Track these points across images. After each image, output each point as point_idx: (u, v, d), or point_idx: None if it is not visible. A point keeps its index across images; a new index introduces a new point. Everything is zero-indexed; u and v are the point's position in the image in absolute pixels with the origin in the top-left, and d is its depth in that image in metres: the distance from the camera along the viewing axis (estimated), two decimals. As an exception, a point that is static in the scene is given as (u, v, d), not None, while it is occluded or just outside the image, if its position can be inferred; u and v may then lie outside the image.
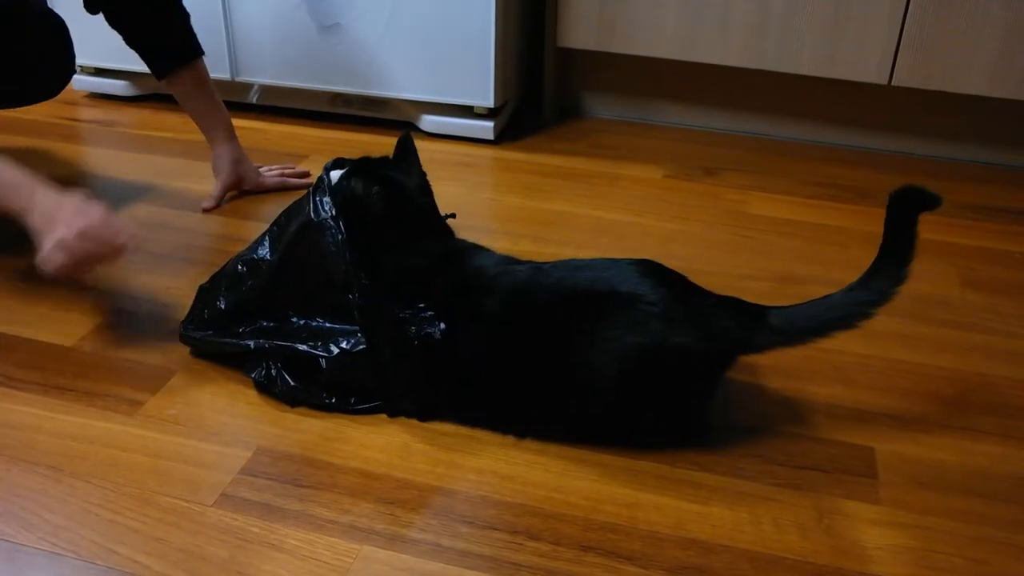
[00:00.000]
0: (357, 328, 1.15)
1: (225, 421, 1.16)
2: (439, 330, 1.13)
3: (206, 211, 1.68)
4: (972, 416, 1.20)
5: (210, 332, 1.25)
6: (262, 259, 1.23)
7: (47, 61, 1.59)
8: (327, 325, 1.19)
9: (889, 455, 1.13)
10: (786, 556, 0.98)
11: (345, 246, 1.16)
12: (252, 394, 1.21)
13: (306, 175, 1.83)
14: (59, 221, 1.20)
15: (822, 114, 2.04)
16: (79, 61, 2.14)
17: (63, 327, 1.35)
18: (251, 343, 1.20)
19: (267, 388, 1.20)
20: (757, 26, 1.88)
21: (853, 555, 0.98)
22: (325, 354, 1.15)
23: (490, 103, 1.93)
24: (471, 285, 1.18)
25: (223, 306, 1.24)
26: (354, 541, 0.98)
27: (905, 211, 1.10)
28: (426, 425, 1.15)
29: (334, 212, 1.17)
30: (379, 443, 1.13)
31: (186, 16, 1.67)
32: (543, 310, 1.12)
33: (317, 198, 1.19)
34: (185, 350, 1.28)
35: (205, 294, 1.30)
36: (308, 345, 1.17)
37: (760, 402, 1.22)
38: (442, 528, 1.00)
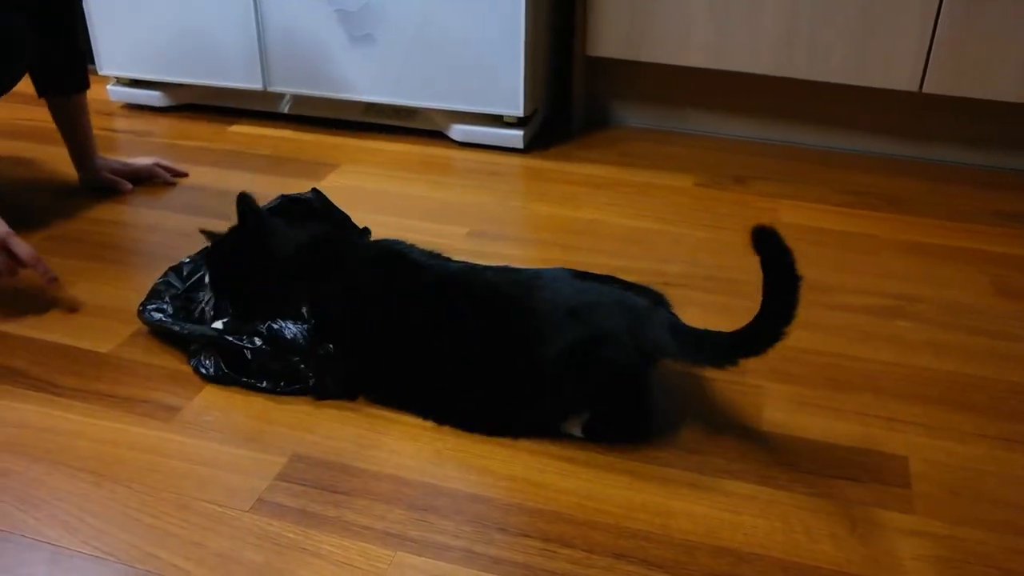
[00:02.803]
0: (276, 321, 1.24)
1: (260, 427, 1.18)
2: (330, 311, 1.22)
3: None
4: (1006, 425, 1.20)
5: (161, 317, 1.33)
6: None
7: None
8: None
9: (922, 464, 1.12)
10: (819, 565, 0.98)
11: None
12: (287, 401, 1.23)
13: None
14: None
15: (851, 121, 2.04)
16: (114, 72, 2.19)
17: (99, 334, 1.37)
18: (188, 332, 1.29)
19: (204, 374, 1.27)
20: (786, 34, 1.88)
21: (887, 565, 0.98)
22: (250, 345, 1.23)
23: (520, 112, 1.94)
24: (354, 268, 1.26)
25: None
26: (388, 547, 0.99)
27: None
28: (458, 432, 1.16)
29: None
30: (411, 450, 1.14)
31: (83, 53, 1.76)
32: (472, 297, 1.19)
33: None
34: (220, 357, 1.30)
35: (165, 285, 1.39)
36: (234, 337, 1.24)
37: (789, 410, 1.22)
38: (476, 535, 1.01)
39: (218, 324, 1.30)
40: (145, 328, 1.37)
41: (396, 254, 1.28)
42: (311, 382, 1.23)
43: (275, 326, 1.22)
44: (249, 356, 1.24)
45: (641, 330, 1.12)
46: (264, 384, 1.25)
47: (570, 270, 1.22)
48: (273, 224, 1.32)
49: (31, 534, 1.01)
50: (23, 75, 1.65)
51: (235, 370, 1.25)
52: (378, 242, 1.35)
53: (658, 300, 1.17)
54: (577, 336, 1.12)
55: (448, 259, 1.29)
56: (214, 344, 1.27)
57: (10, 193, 1.80)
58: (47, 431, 1.17)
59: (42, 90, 1.73)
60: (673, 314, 1.16)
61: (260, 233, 1.30)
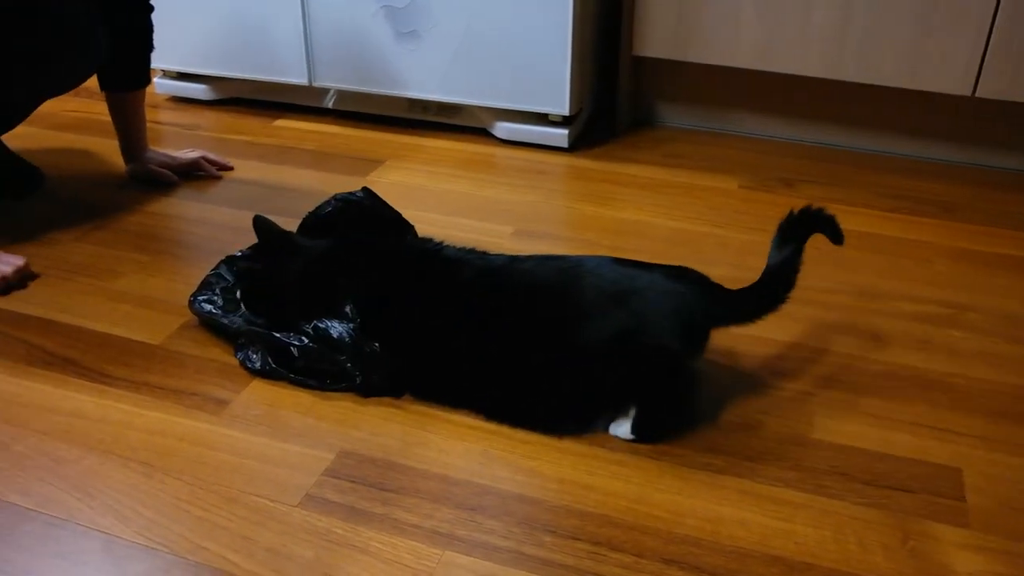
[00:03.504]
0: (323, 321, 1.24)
1: (308, 423, 1.18)
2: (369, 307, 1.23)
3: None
4: (1064, 439, 1.17)
5: (211, 308, 1.35)
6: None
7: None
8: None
9: (977, 477, 1.10)
10: (872, 577, 0.97)
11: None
12: (334, 397, 1.23)
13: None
14: None
15: (902, 125, 2.01)
16: (162, 65, 2.21)
17: (150, 326, 1.38)
18: (237, 326, 1.31)
19: (250, 367, 1.28)
20: (838, 36, 1.86)
21: (942, 578, 0.97)
22: (297, 343, 1.24)
23: (565, 111, 1.94)
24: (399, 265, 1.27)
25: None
26: (436, 546, 0.99)
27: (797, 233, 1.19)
28: (506, 432, 1.16)
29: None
30: (460, 449, 1.13)
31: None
32: (513, 292, 1.20)
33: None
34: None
35: (216, 277, 1.40)
36: (282, 334, 1.25)
37: (841, 418, 1.20)
38: (524, 536, 1.01)
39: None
40: (194, 321, 1.38)
41: (430, 252, 1.28)
42: (358, 380, 1.23)
43: (321, 325, 1.23)
44: (296, 353, 1.24)
45: (686, 315, 1.12)
46: (311, 381, 1.25)
47: (612, 257, 1.22)
48: (294, 238, 1.34)
49: (85, 522, 1.02)
50: (94, 72, 1.67)
51: (282, 366, 1.26)
52: (409, 241, 1.37)
53: (698, 280, 1.18)
54: (620, 323, 1.11)
55: (486, 253, 1.29)
56: (261, 339, 1.28)
57: (59, 184, 1.82)
58: (99, 421, 1.19)
59: (106, 85, 1.75)
60: (711, 284, 1.19)
61: (285, 250, 1.31)
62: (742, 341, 1.35)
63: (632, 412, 1.15)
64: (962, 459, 1.13)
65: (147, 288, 1.48)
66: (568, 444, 1.14)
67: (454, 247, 1.29)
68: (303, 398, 1.23)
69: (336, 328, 1.22)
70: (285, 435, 1.16)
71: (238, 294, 1.35)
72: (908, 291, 1.49)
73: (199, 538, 1.00)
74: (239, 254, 1.43)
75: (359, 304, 1.23)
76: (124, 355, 1.32)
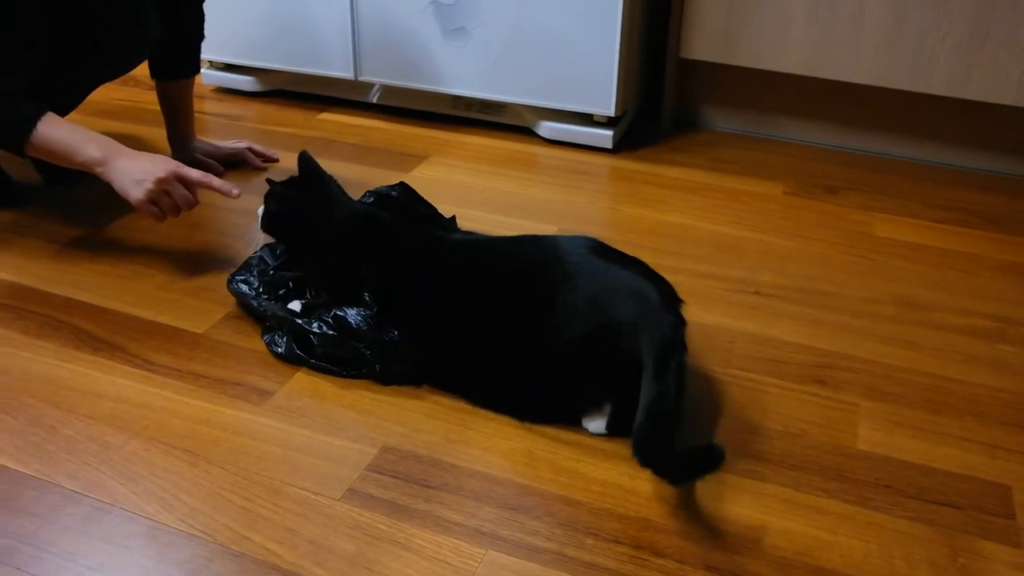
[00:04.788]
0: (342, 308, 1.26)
1: (351, 417, 1.19)
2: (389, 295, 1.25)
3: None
4: (1115, 460, 1.15)
5: (246, 289, 1.37)
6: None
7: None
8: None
9: (1027, 495, 1.09)
10: (919, 593, 0.96)
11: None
12: (376, 391, 1.23)
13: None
14: (136, 169, 1.38)
15: (951, 135, 1.98)
16: (208, 56, 2.23)
17: (194, 314, 1.39)
18: (263, 309, 1.33)
19: (275, 351, 1.30)
20: (890, 43, 1.83)
21: (990, 597, 0.95)
22: (316, 331, 1.25)
23: (611, 112, 1.93)
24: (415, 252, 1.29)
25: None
26: (479, 545, 0.99)
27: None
28: (549, 433, 1.16)
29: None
30: (503, 448, 1.13)
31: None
32: (494, 278, 1.21)
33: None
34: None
35: (258, 259, 1.42)
36: (303, 321, 1.26)
37: (886, 430, 1.19)
38: (567, 538, 1.00)
39: (295, 305, 1.31)
40: (237, 312, 1.39)
41: (436, 238, 1.31)
42: (377, 367, 1.24)
43: (339, 313, 1.24)
44: (315, 341, 1.25)
45: (655, 325, 1.10)
46: (332, 367, 1.26)
47: (592, 242, 1.21)
48: (329, 185, 1.38)
49: (131, 507, 1.03)
50: (147, 57, 1.69)
51: (303, 351, 1.27)
52: (424, 226, 1.37)
53: (671, 296, 1.18)
54: (594, 324, 1.12)
55: (470, 233, 1.34)
56: (285, 324, 1.29)
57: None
58: (143, 407, 1.20)
59: (157, 73, 1.76)
60: (679, 317, 1.16)
61: (316, 191, 1.35)
62: (785, 349, 1.34)
63: (607, 408, 1.15)
64: (1012, 476, 1.11)
65: (192, 277, 1.49)
66: (610, 447, 1.14)
67: (461, 233, 1.33)
68: (345, 391, 1.23)
69: (353, 316, 1.24)
70: (328, 428, 1.17)
71: (259, 211, 1.37)
72: (954, 303, 1.47)
73: (243, 528, 1.01)
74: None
75: (374, 292, 1.25)
76: (169, 343, 1.33)
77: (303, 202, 1.35)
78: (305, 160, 1.39)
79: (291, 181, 1.39)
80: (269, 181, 1.39)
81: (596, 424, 1.16)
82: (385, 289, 1.26)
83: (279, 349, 1.29)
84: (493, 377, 1.20)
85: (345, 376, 1.26)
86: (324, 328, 1.25)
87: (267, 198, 1.37)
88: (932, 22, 1.79)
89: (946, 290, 1.52)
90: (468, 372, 1.22)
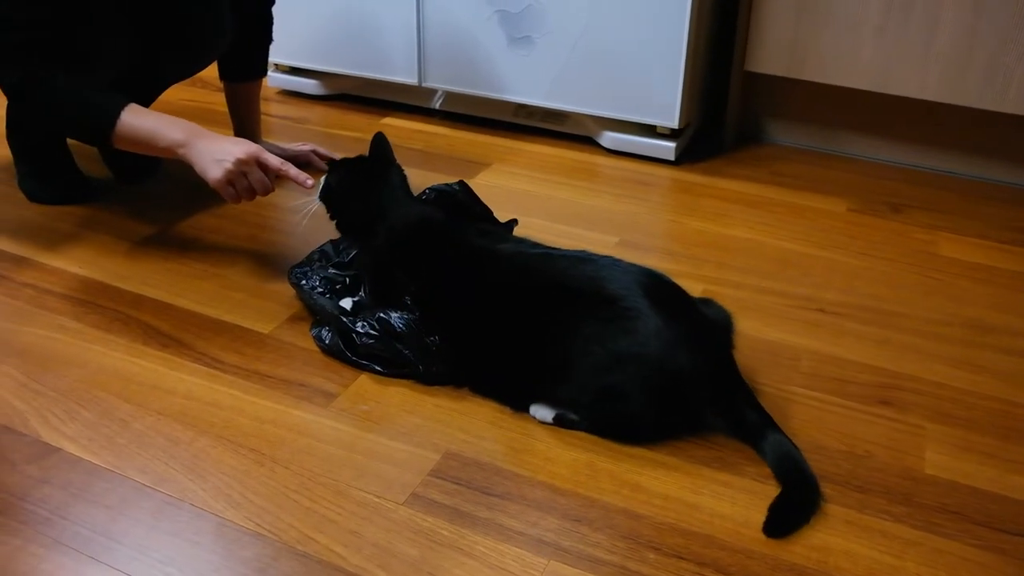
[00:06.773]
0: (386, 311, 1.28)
1: (415, 422, 1.19)
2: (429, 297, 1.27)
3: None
4: None
5: (303, 282, 1.40)
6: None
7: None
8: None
9: (1101, 527, 1.06)
10: (988, 623, 0.94)
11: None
12: (439, 397, 1.24)
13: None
14: (218, 149, 1.39)
15: (1018, 154, 1.94)
16: (274, 59, 2.26)
17: (260, 314, 1.41)
18: (313, 303, 1.37)
19: (321, 345, 1.33)
20: (962, 60, 1.81)
21: (1063, 631, 0.93)
22: (359, 330, 1.27)
23: (675, 124, 1.92)
24: (463, 257, 1.29)
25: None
26: (542, 555, 0.99)
27: None
28: (611, 445, 1.16)
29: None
30: (566, 458, 1.13)
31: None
32: (532, 293, 1.20)
33: None
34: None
35: (319, 253, 1.46)
36: (348, 320, 1.29)
37: (954, 455, 1.17)
38: (629, 552, 1.00)
39: (347, 302, 1.33)
40: (302, 313, 1.41)
41: (485, 248, 1.29)
42: (420, 368, 1.25)
43: (383, 315, 1.26)
44: (358, 341, 1.27)
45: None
46: (375, 366, 1.28)
47: (647, 278, 1.18)
48: (392, 175, 1.39)
49: (199, 504, 1.05)
50: (218, 57, 1.73)
51: (347, 348, 1.29)
52: (474, 234, 1.34)
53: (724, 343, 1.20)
54: (608, 383, 1.13)
55: (522, 242, 1.32)
56: (332, 321, 1.31)
57: (175, 171, 1.87)
58: (211, 404, 1.22)
59: (225, 74, 1.80)
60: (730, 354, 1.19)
61: (380, 181, 1.37)
62: (849, 368, 1.32)
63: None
64: (1085, 507, 1.09)
65: (258, 277, 1.51)
66: (672, 460, 1.14)
67: (514, 242, 1.32)
68: (409, 396, 1.24)
69: (395, 318, 1.26)
70: (391, 432, 1.18)
71: (321, 180, 1.40)
72: (1023, 326, 1.45)
73: (308, 529, 1.02)
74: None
75: (416, 298, 1.27)
76: (235, 342, 1.35)
77: (361, 184, 1.37)
78: (377, 144, 1.41)
79: (359, 159, 1.41)
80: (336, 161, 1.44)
81: (543, 412, 1.19)
82: (428, 297, 1.27)
83: (326, 343, 1.32)
84: (522, 394, 1.22)
85: (386, 375, 1.28)
86: (368, 328, 1.26)
87: (331, 170, 1.41)
88: (1004, 40, 1.76)
89: (1015, 313, 1.49)
90: (500, 385, 1.24)
